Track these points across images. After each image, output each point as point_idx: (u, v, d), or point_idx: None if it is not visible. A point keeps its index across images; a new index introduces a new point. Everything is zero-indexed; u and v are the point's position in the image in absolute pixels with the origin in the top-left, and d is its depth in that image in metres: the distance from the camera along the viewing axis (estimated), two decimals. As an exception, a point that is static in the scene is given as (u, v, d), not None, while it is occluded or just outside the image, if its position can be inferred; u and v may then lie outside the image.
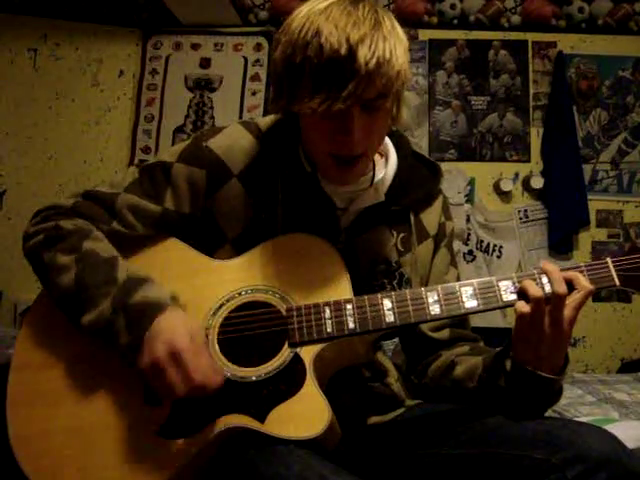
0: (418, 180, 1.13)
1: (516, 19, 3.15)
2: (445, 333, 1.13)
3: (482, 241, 3.04)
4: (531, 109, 3.10)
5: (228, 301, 1.00)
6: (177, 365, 0.87)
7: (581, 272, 0.95)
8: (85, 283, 0.94)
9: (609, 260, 0.97)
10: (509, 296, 0.96)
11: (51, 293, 0.99)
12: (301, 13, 0.93)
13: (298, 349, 0.95)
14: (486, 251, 3.04)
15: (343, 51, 0.86)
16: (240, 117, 3.11)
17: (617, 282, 0.95)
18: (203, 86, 3.15)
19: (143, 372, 0.90)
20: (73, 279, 0.95)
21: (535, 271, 0.96)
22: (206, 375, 0.88)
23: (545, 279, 0.94)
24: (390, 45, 0.89)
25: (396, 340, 1.26)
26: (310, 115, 0.93)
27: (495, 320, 2.84)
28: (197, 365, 0.88)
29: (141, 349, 0.89)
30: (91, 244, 0.99)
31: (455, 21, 3.16)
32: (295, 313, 0.97)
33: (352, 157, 0.97)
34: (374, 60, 0.87)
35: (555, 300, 0.91)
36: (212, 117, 3.13)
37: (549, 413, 1.00)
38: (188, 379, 0.87)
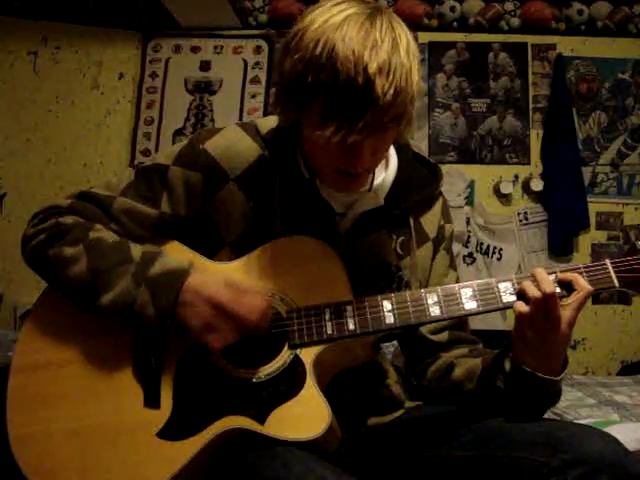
0: (418, 182, 1.13)
1: (515, 22, 3.16)
2: (444, 335, 1.13)
3: (482, 243, 3.04)
4: (531, 111, 3.10)
5: (228, 302, 1.00)
6: (227, 316, 0.91)
7: (580, 273, 0.95)
8: (100, 268, 0.94)
9: (608, 262, 0.96)
10: (509, 297, 0.96)
11: (61, 287, 0.99)
12: (314, 24, 0.87)
13: (298, 351, 0.95)
14: (486, 253, 3.04)
15: (360, 80, 0.82)
16: (240, 120, 3.11)
17: (616, 284, 0.95)
18: (203, 89, 3.16)
19: (194, 335, 0.93)
20: (85, 267, 0.95)
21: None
22: (255, 313, 0.92)
23: None
24: (406, 69, 0.86)
25: (395, 342, 1.26)
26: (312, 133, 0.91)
27: (495, 322, 2.83)
28: (243, 307, 0.92)
29: (180, 312, 0.92)
30: (96, 233, 0.99)
31: (455, 24, 3.16)
32: (295, 315, 0.97)
33: (358, 173, 0.97)
34: (392, 90, 0.84)
35: (547, 299, 0.91)
36: (212, 120, 3.13)
37: (549, 415, 1.00)
38: (242, 324, 0.91)
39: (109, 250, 0.97)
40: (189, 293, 0.92)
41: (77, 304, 0.98)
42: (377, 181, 1.07)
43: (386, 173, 1.09)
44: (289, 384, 0.92)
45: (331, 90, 0.84)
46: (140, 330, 0.97)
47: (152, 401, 0.94)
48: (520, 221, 3.05)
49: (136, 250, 0.97)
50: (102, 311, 0.94)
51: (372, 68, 0.82)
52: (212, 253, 1.06)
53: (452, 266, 1.19)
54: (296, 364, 0.94)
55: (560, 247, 3.00)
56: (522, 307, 0.93)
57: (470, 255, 3.04)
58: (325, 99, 0.85)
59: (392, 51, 0.85)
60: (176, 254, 1.01)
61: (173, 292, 0.92)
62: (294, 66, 0.88)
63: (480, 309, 0.96)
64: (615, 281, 0.95)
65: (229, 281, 0.95)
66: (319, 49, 0.85)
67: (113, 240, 0.99)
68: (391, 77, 0.84)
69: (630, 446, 0.98)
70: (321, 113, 0.86)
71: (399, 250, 1.10)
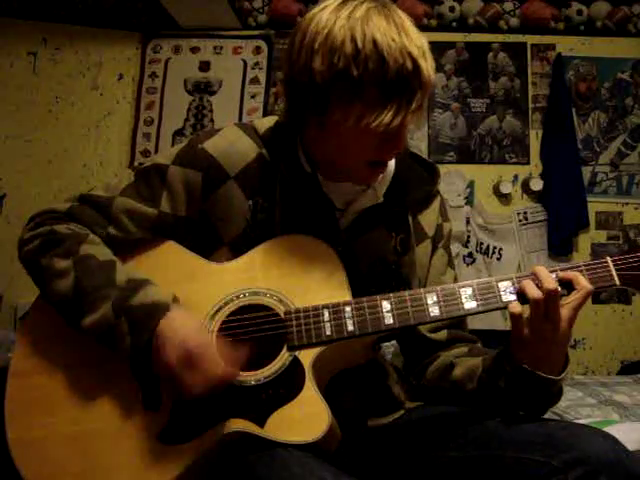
0: (416, 181, 1.13)
1: (515, 22, 3.15)
2: (443, 334, 1.13)
3: (482, 243, 3.04)
4: (530, 111, 3.10)
5: (226, 304, 0.99)
6: (192, 367, 0.88)
7: (580, 272, 0.95)
8: (84, 287, 0.94)
9: (609, 259, 0.96)
10: (509, 296, 0.96)
11: (49, 299, 0.98)
12: (339, 20, 0.90)
13: (297, 352, 0.95)
14: (486, 253, 3.04)
15: (409, 65, 0.89)
16: (239, 120, 3.11)
17: (617, 281, 0.95)
18: (202, 89, 3.16)
19: (159, 377, 0.92)
20: (72, 284, 0.94)
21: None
22: (224, 369, 0.89)
23: None
24: (430, 52, 0.94)
25: (395, 342, 1.26)
26: (354, 130, 0.92)
27: (495, 322, 2.83)
28: (211, 361, 0.89)
29: (152, 355, 0.90)
30: (88, 248, 0.98)
31: (454, 24, 3.16)
32: (294, 316, 0.97)
33: (387, 162, 1.02)
34: (431, 70, 0.93)
35: (548, 297, 0.91)
36: (211, 120, 3.13)
37: (549, 415, 1.00)
38: (205, 378, 0.88)
39: (96, 269, 0.96)
40: (161, 333, 0.90)
41: (63, 317, 0.97)
42: None
43: (385, 171, 1.09)
44: (288, 386, 0.92)
45: (383, 78, 0.88)
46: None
47: (152, 404, 0.94)
48: (520, 221, 3.05)
49: (121, 274, 0.96)
50: (83, 332, 0.94)
51: (414, 53, 0.90)
52: (210, 252, 1.06)
53: (450, 265, 1.19)
54: (295, 366, 0.94)
55: (560, 247, 3.00)
56: (515, 307, 0.93)
57: (470, 255, 3.04)
58: (379, 88, 0.89)
59: (418, 35, 0.93)
60: (171, 255, 1.01)
61: (148, 330, 0.90)
62: (331, 64, 0.90)
63: (480, 309, 0.96)
64: (616, 279, 0.95)
65: (187, 342, 0.90)
66: (359, 43, 0.88)
67: (103, 258, 0.98)
68: (429, 58, 0.93)
69: (630, 446, 0.98)
70: (375, 102, 0.89)
71: (398, 248, 1.10)
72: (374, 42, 0.88)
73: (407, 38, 0.90)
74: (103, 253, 0.99)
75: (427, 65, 0.91)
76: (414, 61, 0.89)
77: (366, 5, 0.92)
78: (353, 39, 0.89)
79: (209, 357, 0.89)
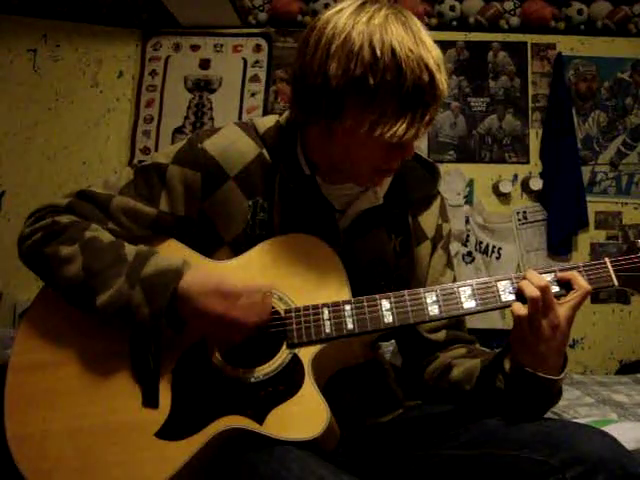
0: (416, 181, 1.13)
1: (515, 21, 3.16)
2: (441, 334, 1.13)
3: (481, 242, 3.04)
4: (530, 111, 3.11)
5: (227, 302, 1.00)
6: (238, 301, 0.92)
7: (580, 272, 0.95)
8: (94, 268, 0.94)
9: (607, 260, 0.96)
10: (508, 296, 0.96)
11: (57, 287, 0.98)
12: (358, 25, 0.90)
13: (297, 350, 0.95)
14: (485, 252, 3.04)
15: (426, 78, 0.88)
16: (239, 118, 3.11)
17: (616, 282, 0.95)
18: (202, 87, 3.16)
19: (205, 332, 0.96)
20: (81, 267, 0.94)
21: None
22: (252, 316, 0.93)
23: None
24: (443, 61, 0.94)
25: (394, 341, 1.26)
26: (365, 138, 0.92)
27: (494, 321, 2.84)
28: (252, 293, 0.93)
29: (182, 314, 0.93)
30: (92, 233, 0.99)
31: (454, 23, 3.16)
32: (294, 314, 0.97)
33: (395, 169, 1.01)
34: (446, 83, 0.92)
35: (543, 295, 0.91)
36: (211, 118, 3.13)
37: (547, 414, 1.00)
38: (255, 307, 0.93)
39: (104, 250, 0.96)
40: (185, 296, 0.92)
41: (74, 304, 0.98)
42: None
43: (391, 176, 1.09)
44: (288, 384, 0.92)
45: (400, 90, 0.88)
46: (137, 329, 0.97)
47: (151, 401, 0.94)
48: (519, 220, 3.05)
49: (130, 249, 0.97)
50: (98, 312, 0.94)
51: (431, 65, 0.89)
52: (211, 252, 1.06)
53: (449, 265, 1.19)
54: (295, 363, 0.94)
55: (559, 246, 3.01)
56: (519, 310, 0.93)
57: (469, 254, 3.04)
58: (395, 98, 0.88)
59: (433, 46, 0.92)
60: (171, 253, 1.01)
61: (167, 293, 0.92)
62: (348, 70, 0.89)
63: (479, 308, 0.96)
64: (615, 280, 0.95)
65: (222, 285, 0.94)
66: (377, 51, 0.88)
67: (108, 240, 0.99)
68: (443, 70, 0.92)
69: (629, 445, 0.98)
70: (390, 113, 0.89)
71: (398, 249, 1.11)
72: (392, 51, 0.87)
73: (424, 49, 0.89)
74: (107, 236, 1.00)
75: (442, 77, 0.91)
76: (430, 73, 0.89)
77: (384, 11, 0.91)
78: (372, 46, 0.88)
79: (248, 290, 0.93)
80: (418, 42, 0.89)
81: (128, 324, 0.95)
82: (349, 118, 0.92)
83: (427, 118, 0.91)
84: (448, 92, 0.95)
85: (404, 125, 0.89)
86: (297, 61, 0.97)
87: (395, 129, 0.89)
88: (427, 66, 0.88)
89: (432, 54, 0.90)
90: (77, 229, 0.99)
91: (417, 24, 0.93)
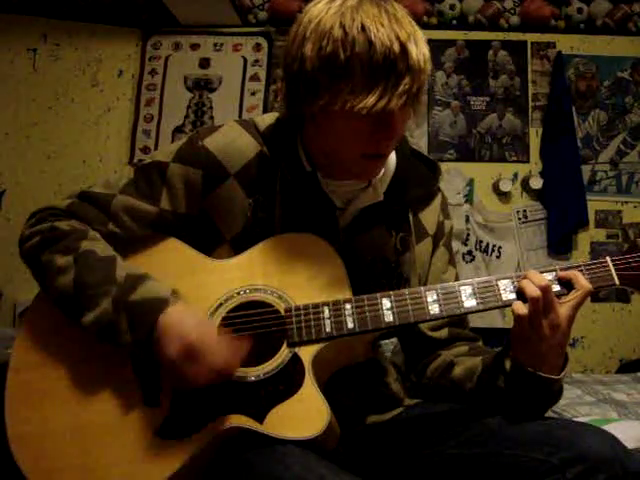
0: (417, 179, 1.13)
1: (515, 20, 3.15)
2: (444, 332, 1.13)
3: (481, 241, 3.04)
4: (530, 109, 3.10)
5: (226, 300, 1.00)
6: (193, 359, 0.88)
7: (580, 271, 0.95)
8: (84, 283, 0.94)
9: (608, 259, 0.96)
10: (508, 295, 0.96)
11: (50, 295, 0.98)
12: (331, 9, 0.91)
13: (297, 349, 0.95)
14: (485, 251, 3.04)
15: (396, 48, 0.87)
16: (239, 117, 3.11)
17: (617, 281, 0.95)
18: (202, 86, 3.16)
19: (159, 371, 0.93)
20: (72, 280, 0.94)
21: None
22: (225, 360, 0.89)
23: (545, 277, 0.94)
24: (425, 40, 0.94)
25: (395, 340, 1.27)
26: (344, 116, 0.91)
27: (494, 320, 2.84)
28: (212, 354, 0.88)
29: (154, 350, 0.90)
30: (88, 244, 0.98)
31: (454, 21, 3.16)
32: (294, 313, 0.97)
33: (383, 154, 0.99)
34: (422, 57, 0.91)
35: (544, 294, 0.91)
36: (211, 117, 3.13)
37: (548, 413, 1.00)
38: (206, 370, 0.88)
39: (97, 265, 0.96)
40: (161, 328, 0.90)
41: (63, 314, 0.98)
42: (377, 176, 1.07)
43: (385, 169, 1.09)
44: (288, 383, 0.92)
45: (369, 60, 0.88)
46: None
47: (151, 399, 0.94)
48: (519, 219, 3.05)
49: (120, 270, 0.96)
50: (84, 329, 0.94)
51: (404, 37, 0.88)
52: (211, 249, 1.06)
53: (451, 262, 1.19)
54: (295, 362, 0.94)
55: (559, 245, 3.00)
56: (520, 309, 0.93)
57: (469, 253, 3.04)
58: (364, 70, 0.88)
59: (411, 24, 0.92)
60: (171, 252, 1.01)
61: (148, 325, 0.90)
62: (320, 49, 0.90)
63: (480, 307, 0.96)
64: (615, 278, 0.95)
65: (202, 320, 0.93)
66: (347, 28, 0.88)
67: (103, 254, 0.98)
68: (420, 44, 0.91)
69: (629, 444, 0.98)
70: (361, 84, 0.88)
71: (398, 246, 1.10)
72: (362, 26, 0.88)
73: (397, 24, 0.89)
74: (103, 249, 0.99)
75: (417, 50, 0.90)
76: (402, 44, 0.88)
77: None
78: (342, 24, 0.89)
79: (210, 349, 0.89)
80: (392, 19, 0.89)
81: (112, 345, 0.94)
82: (324, 96, 0.91)
83: (401, 89, 0.89)
84: (431, 65, 0.94)
85: (375, 96, 0.88)
86: (282, 55, 0.99)
87: (366, 100, 0.88)
88: (398, 37, 0.88)
89: (406, 28, 0.90)
90: (74, 238, 0.98)
91: (395, 6, 0.93)
